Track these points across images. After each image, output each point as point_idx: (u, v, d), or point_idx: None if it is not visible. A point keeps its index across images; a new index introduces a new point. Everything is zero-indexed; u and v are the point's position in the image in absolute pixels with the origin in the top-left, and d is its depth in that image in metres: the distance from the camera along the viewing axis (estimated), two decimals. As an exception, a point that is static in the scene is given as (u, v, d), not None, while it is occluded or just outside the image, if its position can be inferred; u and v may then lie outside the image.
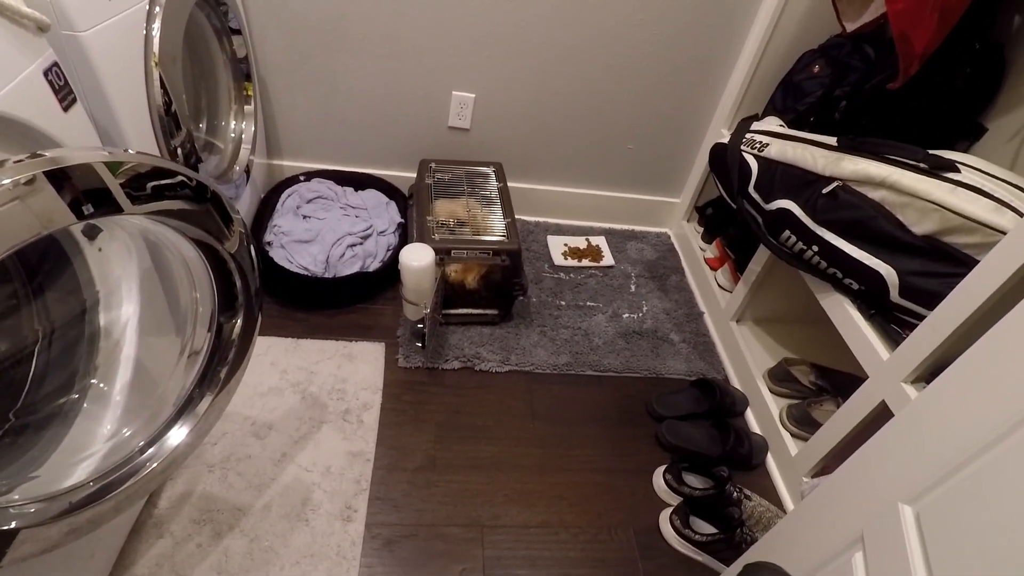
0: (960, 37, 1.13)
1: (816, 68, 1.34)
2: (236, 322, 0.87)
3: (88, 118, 0.78)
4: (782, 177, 1.15)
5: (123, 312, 0.89)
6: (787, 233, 1.14)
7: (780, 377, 1.34)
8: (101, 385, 0.86)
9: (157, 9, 0.93)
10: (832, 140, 1.11)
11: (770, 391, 1.34)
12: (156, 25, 0.93)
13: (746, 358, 1.41)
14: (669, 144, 1.68)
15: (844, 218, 1.04)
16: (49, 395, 0.81)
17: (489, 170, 1.53)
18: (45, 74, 0.71)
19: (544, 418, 1.31)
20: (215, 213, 0.75)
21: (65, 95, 0.74)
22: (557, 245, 1.70)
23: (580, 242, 1.73)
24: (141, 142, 0.93)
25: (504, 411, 1.31)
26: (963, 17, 1.06)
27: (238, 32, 1.22)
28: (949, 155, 1.00)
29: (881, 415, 0.98)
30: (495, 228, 1.37)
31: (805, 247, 1.11)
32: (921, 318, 0.92)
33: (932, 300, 0.91)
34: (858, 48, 1.28)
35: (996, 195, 0.91)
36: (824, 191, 1.07)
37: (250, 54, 1.32)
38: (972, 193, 0.92)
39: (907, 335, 0.95)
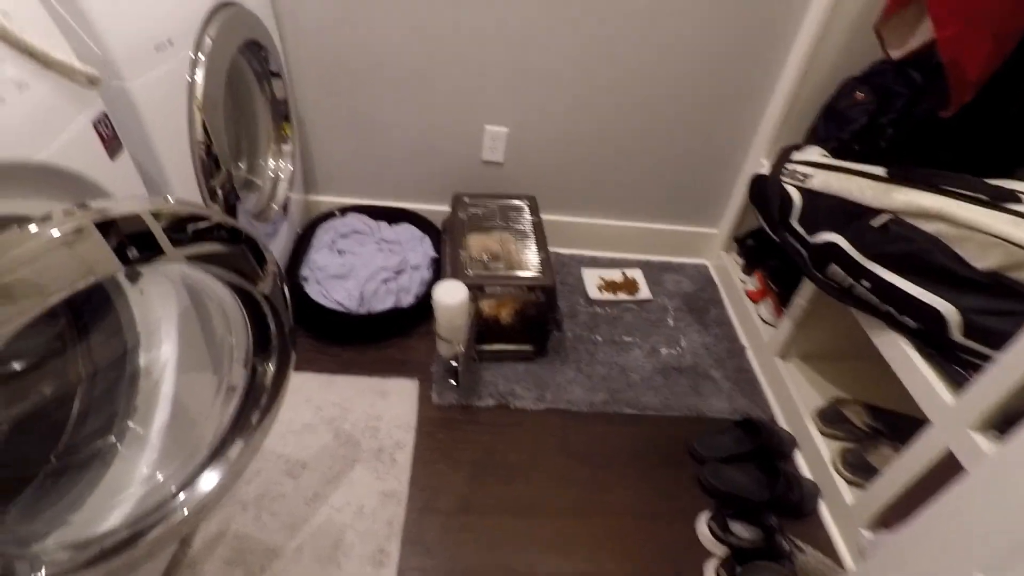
0: (1016, 60, 1.08)
1: (859, 95, 1.29)
2: (270, 364, 0.87)
3: (133, 163, 0.80)
4: (827, 209, 1.10)
5: (163, 352, 0.90)
6: (834, 268, 1.09)
7: (831, 418, 1.27)
8: (139, 428, 0.86)
9: (201, 57, 0.96)
10: (880, 170, 1.06)
11: (820, 432, 1.27)
12: (200, 72, 0.96)
13: (793, 396, 1.34)
14: (706, 174, 1.65)
15: (896, 252, 0.99)
16: (88, 436, 0.81)
17: (523, 203, 1.52)
18: (95, 125, 0.73)
19: (581, 458, 1.27)
20: (249, 255, 0.76)
21: (113, 144, 0.76)
22: (592, 278, 1.67)
23: (616, 275, 1.69)
24: (183, 182, 0.95)
25: (539, 450, 1.28)
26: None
27: (278, 75, 1.26)
28: (1010, 184, 0.94)
29: (946, 463, 0.91)
30: (529, 263, 1.36)
31: (855, 282, 1.06)
32: (988, 359, 0.85)
33: (1000, 339, 0.84)
34: (902, 73, 1.23)
35: (1067, 228, 0.85)
36: (873, 224, 1.02)
37: (289, 95, 1.35)
38: (1039, 226, 0.86)
39: (972, 377, 0.88)
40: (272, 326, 0.83)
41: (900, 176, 1.02)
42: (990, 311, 0.90)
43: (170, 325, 0.89)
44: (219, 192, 1.04)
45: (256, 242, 0.74)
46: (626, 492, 1.22)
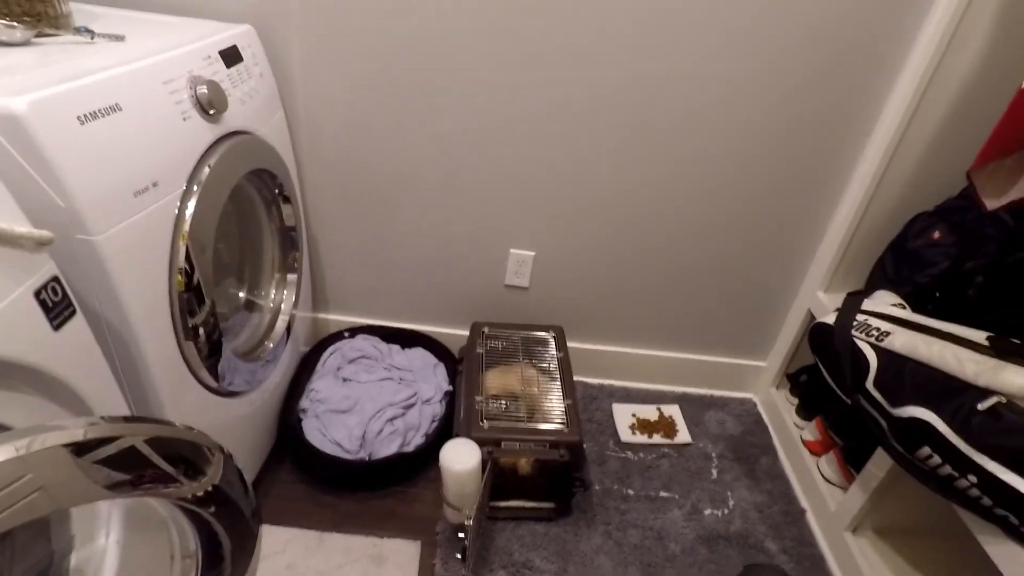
0: None
1: (936, 234, 1.14)
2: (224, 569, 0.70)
3: (84, 328, 0.68)
4: (914, 378, 0.92)
5: (104, 543, 0.74)
6: (927, 451, 0.89)
7: (925, 628, 1.02)
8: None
9: (195, 188, 0.87)
10: (980, 336, 0.88)
11: (913, 647, 1.02)
12: (192, 202, 0.86)
13: (871, 587, 1.10)
14: (753, 304, 1.49)
15: (1017, 446, 0.79)
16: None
17: (548, 335, 1.37)
18: (37, 294, 0.61)
19: (610, 660, 1.04)
20: (190, 451, 0.61)
21: (59, 312, 0.64)
22: (624, 416, 1.49)
23: (651, 412, 1.50)
24: (154, 330, 0.83)
25: (559, 645, 1.05)
26: None
27: (288, 201, 1.17)
28: None
29: None
30: (553, 412, 1.19)
31: (956, 474, 0.85)
32: None
33: None
34: (989, 214, 1.08)
35: None
36: (980, 407, 0.83)
37: (301, 214, 1.27)
38: None
39: None
40: (222, 531, 0.67)
41: (1009, 350, 0.83)
42: None
43: (114, 510, 0.74)
44: (200, 331, 0.92)
45: (193, 443, 0.59)
46: None
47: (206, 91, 0.88)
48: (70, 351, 0.66)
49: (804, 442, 1.41)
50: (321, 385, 1.36)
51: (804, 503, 1.34)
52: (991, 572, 0.85)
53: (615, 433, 1.45)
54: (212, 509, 0.67)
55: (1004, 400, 0.81)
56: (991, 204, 0.90)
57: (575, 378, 1.37)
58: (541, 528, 1.22)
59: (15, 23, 0.78)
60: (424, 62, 1.18)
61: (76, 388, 0.67)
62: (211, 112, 0.89)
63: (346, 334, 1.50)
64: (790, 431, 1.46)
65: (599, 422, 1.48)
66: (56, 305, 0.64)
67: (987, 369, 0.83)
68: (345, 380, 1.39)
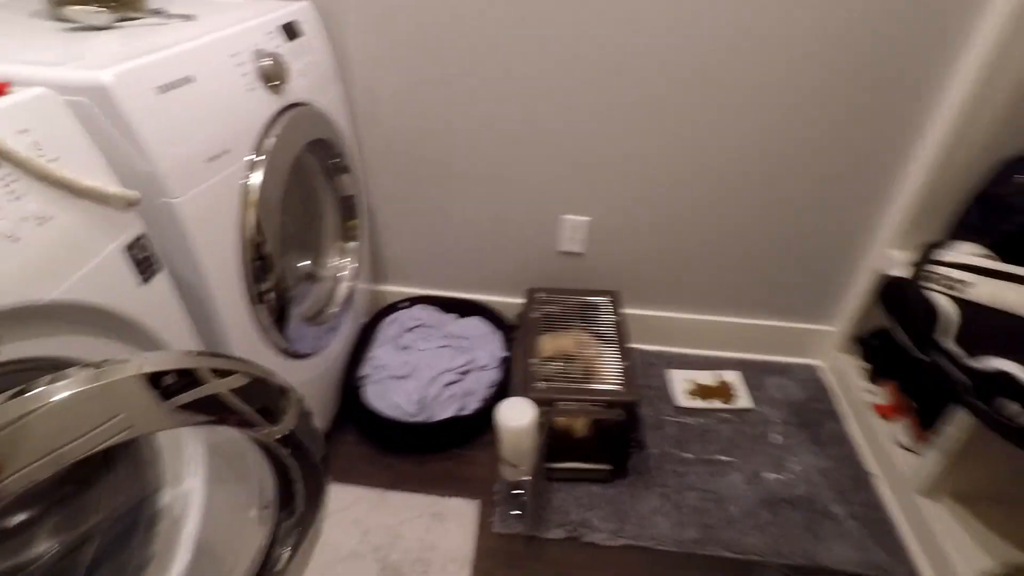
0: None
1: (1024, 180, 1.06)
2: (296, 508, 0.75)
3: (170, 281, 0.74)
4: (997, 329, 0.87)
5: (189, 485, 0.81)
6: (1006, 402, 0.84)
7: (1008, 594, 0.97)
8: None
9: (261, 158, 0.91)
10: (1071, 283, 0.82)
11: (993, 613, 0.97)
12: (258, 172, 0.91)
13: (946, 552, 1.06)
14: (819, 264, 1.43)
15: (1111, 398, 0.74)
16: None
17: (604, 300, 1.37)
18: (128, 249, 0.67)
19: (670, 617, 1.04)
20: (268, 392, 0.66)
21: (147, 267, 0.70)
22: (682, 381, 1.47)
23: (708, 378, 1.48)
24: (227, 291, 0.88)
25: (618, 601, 1.06)
26: None
27: (346, 171, 1.21)
28: None
29: None
30: (609, 373, 1.19)
31: (1043, 428, 0.80)
32: None
33: None
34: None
35: None
36: (1070, 356, 0.78)
37: (361, 187, 1.31)
38: None
39: None
40: (296, 468, 0.71)
41: (1105, 294, 0.77)
42: None
43: (199, 455, 0.80)
44: (269, 296, 0.97)
45: (267, 381, 0.63)
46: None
47: (270, 63, 0.92)
48: (157, 305, 0.72)
49: (874, 406, 1.35)
50: (381, 353, 1.41)
51: (874, 467, 1.29)
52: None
53: (672, 398, 1.44)
54: (288, 451, 0.72)
55: (1099, 348, 0.76)
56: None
57: (631, 345, 1.36)
58: (597, 489, 1.23)
59: (102, 8, 0.85)
60: (478, 30, 1.18)
61: (163, 340, 0.73)
62: (273, 84, 0.94)
63: (405, 304, 1.54)
64: (858, 397, 1.40)
65: (656, 387, 1.47)
66: (144, 261, 0.69)
67: (1079, 315, 0.77)
68: (404, 348, 1.43)
